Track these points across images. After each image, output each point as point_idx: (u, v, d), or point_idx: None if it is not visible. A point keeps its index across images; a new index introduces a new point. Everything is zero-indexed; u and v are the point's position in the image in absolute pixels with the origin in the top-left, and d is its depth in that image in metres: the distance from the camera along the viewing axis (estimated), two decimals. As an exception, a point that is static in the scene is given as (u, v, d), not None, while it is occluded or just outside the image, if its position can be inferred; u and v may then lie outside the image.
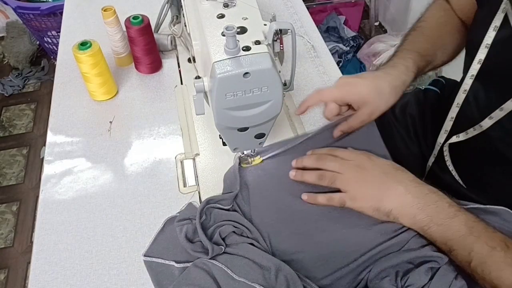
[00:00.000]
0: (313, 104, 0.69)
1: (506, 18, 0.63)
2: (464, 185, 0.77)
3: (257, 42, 0.56)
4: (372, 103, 0.67)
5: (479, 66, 0.68)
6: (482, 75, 0.69)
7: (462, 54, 0.77)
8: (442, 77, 0.94)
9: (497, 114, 0.65)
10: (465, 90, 0.72)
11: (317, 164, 0.68)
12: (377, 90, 0.66)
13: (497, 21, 0.64)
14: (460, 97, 0.73)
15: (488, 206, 0.66)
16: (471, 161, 0.75)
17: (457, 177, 0.78)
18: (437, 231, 0.58)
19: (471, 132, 0.71)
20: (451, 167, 0.78)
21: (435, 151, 0.81)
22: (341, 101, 0.68)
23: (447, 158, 0.78)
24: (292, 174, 0.70)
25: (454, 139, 0.75)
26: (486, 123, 0.68)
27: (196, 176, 0.75)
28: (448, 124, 0.77)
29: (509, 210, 0.65)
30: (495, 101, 0.66)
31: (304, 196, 0.68)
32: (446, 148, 0.78)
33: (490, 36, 0.65)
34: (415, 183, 0.63)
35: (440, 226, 0.58)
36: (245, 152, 0.72)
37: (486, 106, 0.69)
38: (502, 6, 0.62)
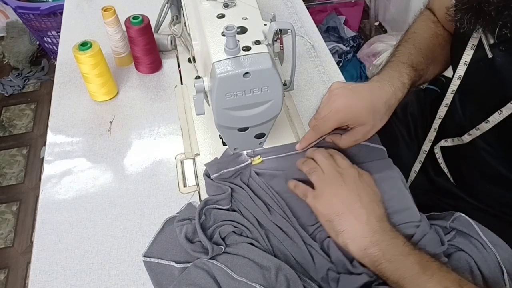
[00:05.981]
0: (314, 140, 0.71)
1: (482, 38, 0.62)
2: (457, 188, 0.77)
3: (257, 42, 0.56)
4: (368, 124, 0.67)
5: (459, 82, 0.69)
6: (463, 91, 0.70)
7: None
8: (443, 76, 0.95)
9: (483, 127, 0.65)
10: (447, 104, 0.73)
11: (313, 154, 0.69)
12: (374, 110, 0.67)
13: (474, 40, 0.64)
14: (442, 110, 0.74)
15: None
16: (462, 165, 0.76)
17: (452, 179, 0.78)
18: (388, 268, 0.55)
19: (457, 141, 0.72)
20: (446, 170, 0.78)
21: (421, 158, 0.82)
22: (338, 126, 0.69)
23: (441, 160, 0.79)
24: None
25: (442, 143, 0.76)
26: (466, 138, 0.69)
27: (196, 176, 0.75)
28: (432, 134, 0.78)
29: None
30: (476, 115, 0.67)
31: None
32: (438, 151, 0.79)
33: (468, 54, 0.65)
34: (379, 219, 0.60)
35: (392, 263, 0.55)
36: (245, 152, 0.72)
37: (467, 120, 0.70)
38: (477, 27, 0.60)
